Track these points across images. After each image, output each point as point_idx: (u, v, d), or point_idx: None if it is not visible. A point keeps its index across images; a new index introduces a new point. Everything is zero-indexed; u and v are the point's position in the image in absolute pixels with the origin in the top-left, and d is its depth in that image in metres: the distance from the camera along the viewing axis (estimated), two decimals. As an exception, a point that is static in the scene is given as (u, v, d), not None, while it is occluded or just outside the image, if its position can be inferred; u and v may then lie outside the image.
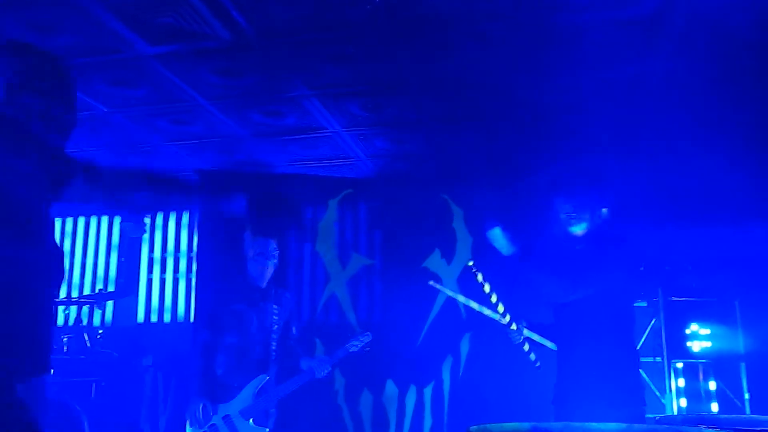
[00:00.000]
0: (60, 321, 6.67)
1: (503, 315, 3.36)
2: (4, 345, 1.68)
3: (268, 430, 3.85)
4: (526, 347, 3.39)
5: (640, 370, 3.28)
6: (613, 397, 2.98)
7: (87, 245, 7.30)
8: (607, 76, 4.24)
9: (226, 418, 3.76)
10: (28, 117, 2.02)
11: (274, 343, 3.94)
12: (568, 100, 4.56)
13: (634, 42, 3.82)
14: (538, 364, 3.41)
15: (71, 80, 2.18)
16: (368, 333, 4.36)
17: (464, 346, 5.24)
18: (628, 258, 3.20)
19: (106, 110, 4.88)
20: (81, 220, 7.37)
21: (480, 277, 3.32)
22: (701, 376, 5.90)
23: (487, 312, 3.43)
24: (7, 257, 1.71)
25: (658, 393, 5.64)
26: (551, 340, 3.39)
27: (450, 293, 3.77)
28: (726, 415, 4.34)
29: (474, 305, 3.49)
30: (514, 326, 3.35)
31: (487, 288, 3.33)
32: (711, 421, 3.06)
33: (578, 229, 3.24)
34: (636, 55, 3.97)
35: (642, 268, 5.78)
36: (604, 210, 3.28)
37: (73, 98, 2.18)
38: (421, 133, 5.21)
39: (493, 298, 3.36)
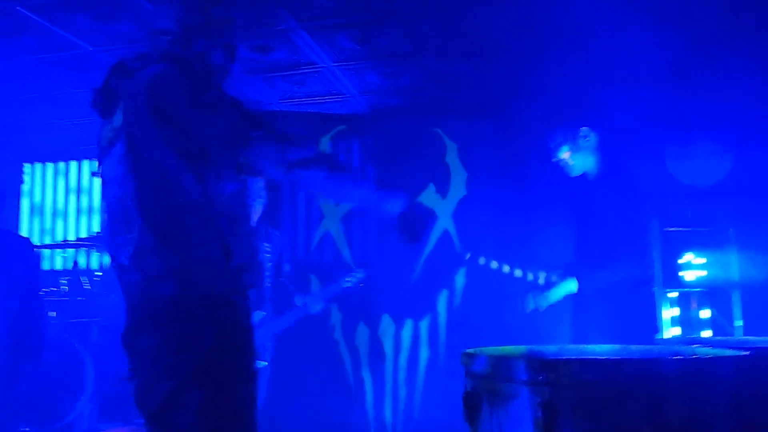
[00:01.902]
0: (59, 264, 6.71)
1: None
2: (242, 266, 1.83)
3: (266, 363, 3.91)
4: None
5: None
6: (626, 324, 3.01)
7: (81, 188, 7.28)
8: (604, 3, 4.14)
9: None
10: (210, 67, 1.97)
11: (267, 281, 3.96)
12: (564, 29, 4.46)
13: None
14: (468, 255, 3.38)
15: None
16: (361, 269, 4.39)
17: (459, 280, 5.28)
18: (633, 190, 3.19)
19: (91, 48, 4.78)
20: (74, 164, 7.33)
21: (482, 261, 3.33)
22: (695, 305, 5.98)
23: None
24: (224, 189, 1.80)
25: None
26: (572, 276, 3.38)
27: (494, 264, 3.69)
28: (719, 338, 4.43)
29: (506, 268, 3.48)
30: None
31: (494, 264, 3.34)
32: (705, 342, 3.11)
33: (574, 169, 3.24)
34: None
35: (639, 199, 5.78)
36: (585, 129, 3.24)
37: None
38: (414, 65, 5.12)
39: (506, 268, 3.37)
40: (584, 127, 3.26)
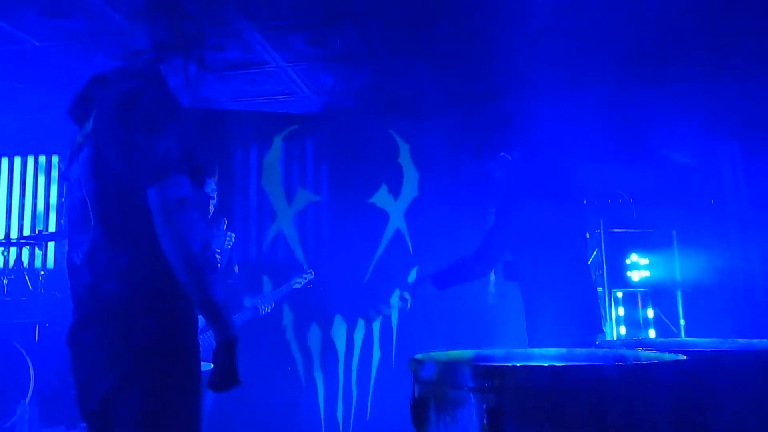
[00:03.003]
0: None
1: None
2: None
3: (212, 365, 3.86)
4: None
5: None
6: (568, 326, 3.07)
7: (25, 185, 7.07)
8: (555, 5, 4.21)
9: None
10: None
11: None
12: (517, 33, 4.53)
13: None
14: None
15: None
16: (311, 270, 4.38)
17: (412, 280, 5.31)
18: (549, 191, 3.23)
19: (37, 44, 4.66)
20: (18, 159, 7.11)
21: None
22: (640, 304, 6.14)
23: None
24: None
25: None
26: (515, 279, 3.43)
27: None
28: (662, 339, 4.55)
29: None
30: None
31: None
32: (648, 345, 3.19)
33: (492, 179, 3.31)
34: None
35: (585, 201, 5.92)
36: (503, 154, 3.28)
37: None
38: (367, 67, 5.14)
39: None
40: (503, 153, 3.29)
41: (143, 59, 1.97)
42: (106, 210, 1.81)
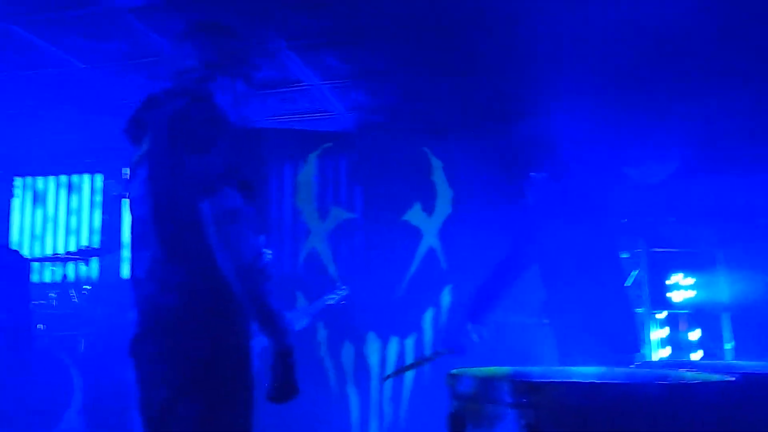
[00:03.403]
0: (47, 277, 6.73)
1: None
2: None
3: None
4: None
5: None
6: (602, 345, 3.02)
7: (70, 202, 7.31)
8: (592, 23, 4.17)
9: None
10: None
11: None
12: (550, 48, 4.49)
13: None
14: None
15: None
16: (345, 286, 4.39)
17: (445, 298, 5.29)
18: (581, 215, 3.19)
19: (82, 66, 4.82)
20: (64, 179, 7.36)
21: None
22: (683, 327, 5.97)
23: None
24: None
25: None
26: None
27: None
28: (708, 361, 4.40)
29: None
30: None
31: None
32: (692, 366, 3.11)
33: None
34: (621, 1, 3.90)
35: (624, 220, 5.81)
36: (536, 174, 3.26)
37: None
38: (400, 84, 5.15)
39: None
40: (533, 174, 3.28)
41: (192, 78, 2.04)
42: (163, 227, 1.90)
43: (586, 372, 2.06)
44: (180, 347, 1.83)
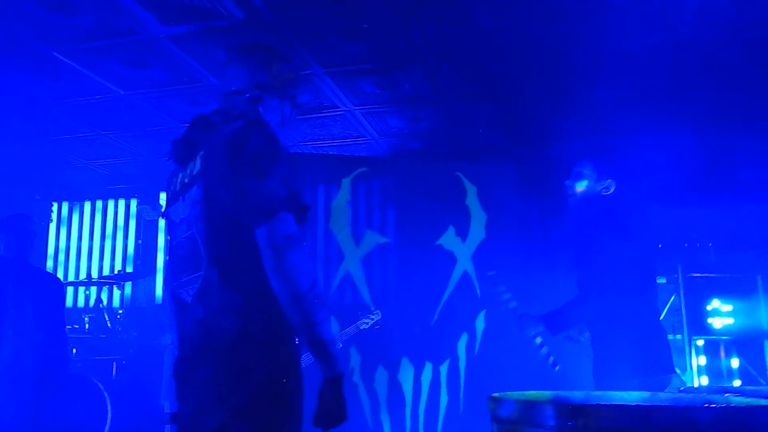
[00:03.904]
0: (81, 302, 6.79)
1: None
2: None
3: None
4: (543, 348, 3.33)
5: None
6: (638, 366, 2.96)
7: (105, 227, 7.40)
8: (626, 48, 4.16)
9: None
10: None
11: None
12: (586, 74, 4.48)
13: (653, 13, 3.74)
14: (557, 367, 3.28)
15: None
16: (378, 311, 4.36)
17: (480, 324, 5.23)
18: (622, 231, 3.14)
19: (122, 93, 4.90)
20: (99, 203, 7.46)
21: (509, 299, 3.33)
22: (723, 354, 5.84)
23: None
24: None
25: (678, 371, 5.59)
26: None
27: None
28: (752, 387, 4.28)
29: None
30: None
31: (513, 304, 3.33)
32: (736, 391, 3.03)
33: (573, 193, 3.25)
34: (655, 27, 3.89)
35: (660, 245, 5.73)
36: (609, 181, 3.25)
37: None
38: (434, 109, 5.17)
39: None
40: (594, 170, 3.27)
41: (242, 100, 2.04)
42: (218, 249, 1.87)
43: (629, 397, 2.01)
44: (235, 371, 1.80)
